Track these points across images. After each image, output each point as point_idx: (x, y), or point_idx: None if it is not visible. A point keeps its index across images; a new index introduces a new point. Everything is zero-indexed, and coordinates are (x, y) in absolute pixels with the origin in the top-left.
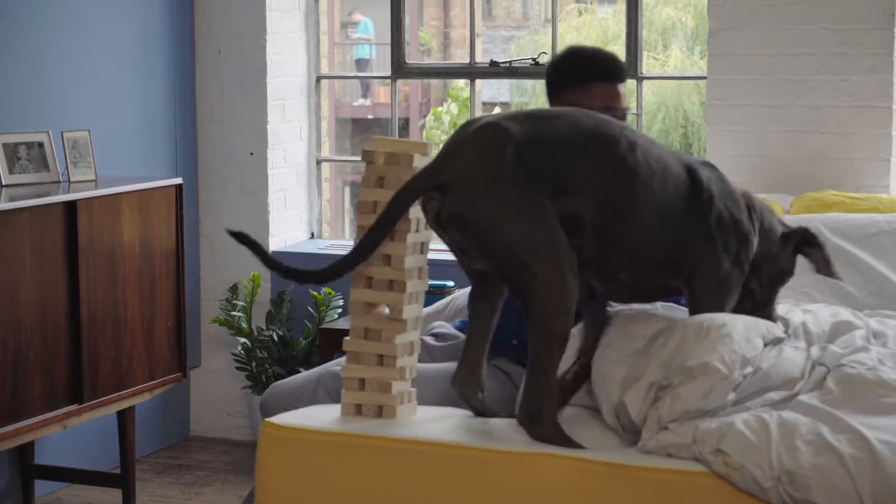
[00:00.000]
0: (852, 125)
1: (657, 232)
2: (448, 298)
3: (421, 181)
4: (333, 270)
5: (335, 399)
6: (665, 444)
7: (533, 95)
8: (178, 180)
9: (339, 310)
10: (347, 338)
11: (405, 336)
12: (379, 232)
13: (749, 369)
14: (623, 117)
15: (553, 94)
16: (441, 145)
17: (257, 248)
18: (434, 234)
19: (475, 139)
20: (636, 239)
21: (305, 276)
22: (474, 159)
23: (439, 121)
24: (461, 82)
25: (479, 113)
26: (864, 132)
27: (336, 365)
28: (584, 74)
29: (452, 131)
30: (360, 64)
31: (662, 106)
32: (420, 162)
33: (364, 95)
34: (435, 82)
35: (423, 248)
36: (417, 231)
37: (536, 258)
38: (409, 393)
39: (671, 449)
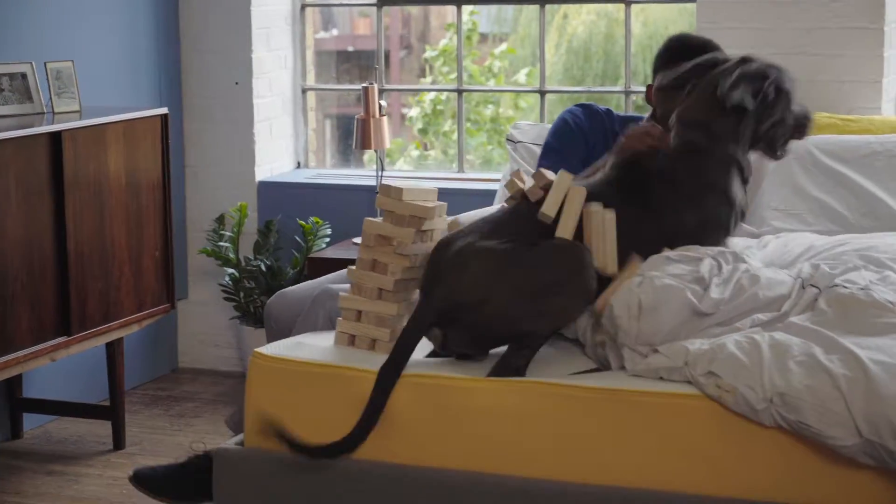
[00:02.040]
0: (843, 47)
1: None
2: None
3: (420, 324)
4: (354, 441)
5: (332, 318)
6: (656, 368)
7: (514, 24)
8: (164, 110)
9: (328, 239)
10: (352, 267)
11: (410, 272)
12: (379, 402)
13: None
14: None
15: (653, 77)
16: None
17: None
18: None
19: (457, 262)
20: None
21: (316, 453)
22: (464, 281)
23: (444, 53)
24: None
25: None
26: (855, 54)
27: (333, 283)
28: (674, 62)
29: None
30: None
31: (655, 35)
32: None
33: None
34: (416, 13)
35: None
36: None
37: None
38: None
39: (662, 372)
